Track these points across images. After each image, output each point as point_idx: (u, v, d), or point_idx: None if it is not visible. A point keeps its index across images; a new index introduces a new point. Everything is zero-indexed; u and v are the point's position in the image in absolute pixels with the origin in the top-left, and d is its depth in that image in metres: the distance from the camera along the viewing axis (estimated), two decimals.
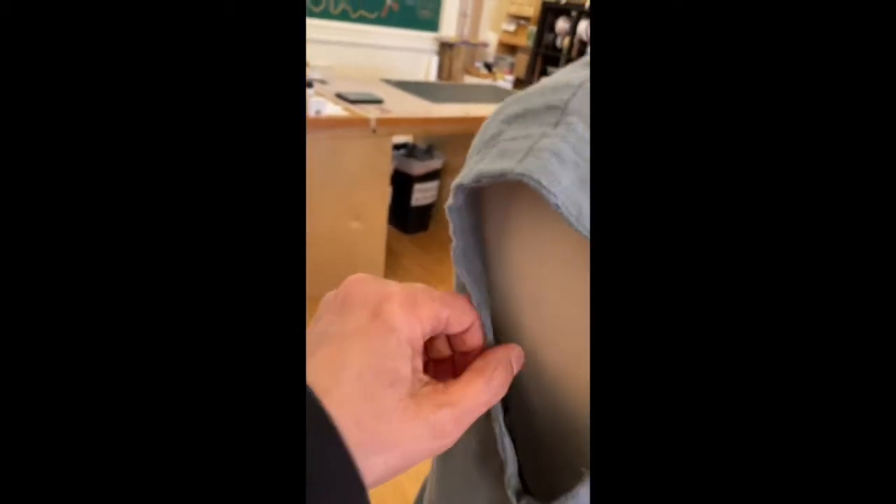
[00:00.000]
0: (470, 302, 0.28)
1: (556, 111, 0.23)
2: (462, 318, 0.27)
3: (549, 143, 0.22)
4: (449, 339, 0.29)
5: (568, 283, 0.26)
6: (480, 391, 0.25)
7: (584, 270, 0.25)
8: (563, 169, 0.21)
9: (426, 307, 0.25)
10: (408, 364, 0.24)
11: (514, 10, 4.71)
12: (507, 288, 0.29)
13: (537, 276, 0.27)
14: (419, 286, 0.26)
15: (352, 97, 2.24)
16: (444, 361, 0.30)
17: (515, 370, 0.27)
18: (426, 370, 0.26)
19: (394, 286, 0.26)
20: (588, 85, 0.23)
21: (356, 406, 0.23)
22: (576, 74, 0.24)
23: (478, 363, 0.27)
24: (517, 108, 0.25)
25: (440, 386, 0.25)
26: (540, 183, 0.21)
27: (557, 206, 0.21)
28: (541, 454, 0.32)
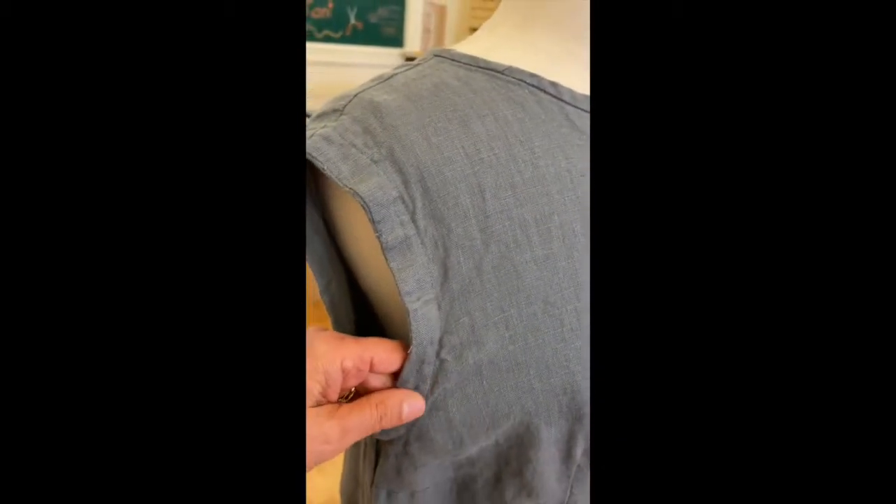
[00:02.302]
0: (402, 345, 0.32)
1: (336, 112, 0.33)
2: (391, 358, 0.32)
3: (322, 131, 0.31)
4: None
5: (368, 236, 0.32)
6: (367, 415, 0.31)
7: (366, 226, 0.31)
8: (330, 147, 0.29)
9: (351, 347, 0.32)
10: (317, 384, 0.30)
11: (477, 24, 4.75)
12: (353, 252, 0.35)
13: (356, 236, 0.34)
14: (353, 337, 0.33)
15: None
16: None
17: (406, 415, 0.32)
18: (356, 398, 0.33)
19: (330, 332, 0.33)
20: (362, 94, 0.33)
21: None
22: (359, 88, 0.35)
23: (376, 394, 0.32)
24: (321, 109, 0.35)
25: (338, 405, 0.32)
26: (311, 155, 0.29)
27: (322, 168, 0.29)
28: None
